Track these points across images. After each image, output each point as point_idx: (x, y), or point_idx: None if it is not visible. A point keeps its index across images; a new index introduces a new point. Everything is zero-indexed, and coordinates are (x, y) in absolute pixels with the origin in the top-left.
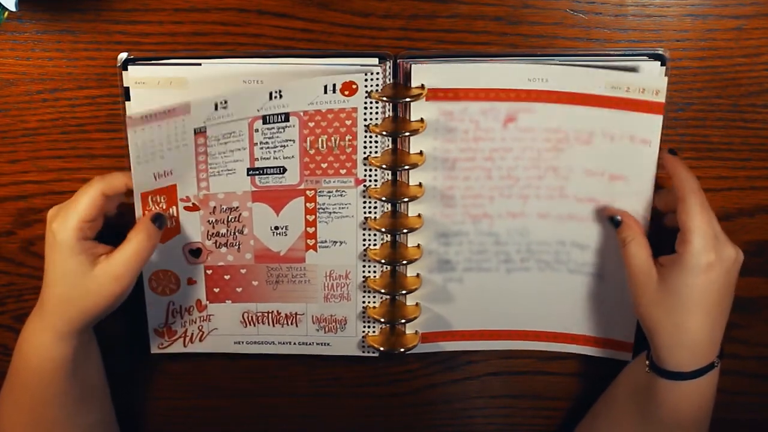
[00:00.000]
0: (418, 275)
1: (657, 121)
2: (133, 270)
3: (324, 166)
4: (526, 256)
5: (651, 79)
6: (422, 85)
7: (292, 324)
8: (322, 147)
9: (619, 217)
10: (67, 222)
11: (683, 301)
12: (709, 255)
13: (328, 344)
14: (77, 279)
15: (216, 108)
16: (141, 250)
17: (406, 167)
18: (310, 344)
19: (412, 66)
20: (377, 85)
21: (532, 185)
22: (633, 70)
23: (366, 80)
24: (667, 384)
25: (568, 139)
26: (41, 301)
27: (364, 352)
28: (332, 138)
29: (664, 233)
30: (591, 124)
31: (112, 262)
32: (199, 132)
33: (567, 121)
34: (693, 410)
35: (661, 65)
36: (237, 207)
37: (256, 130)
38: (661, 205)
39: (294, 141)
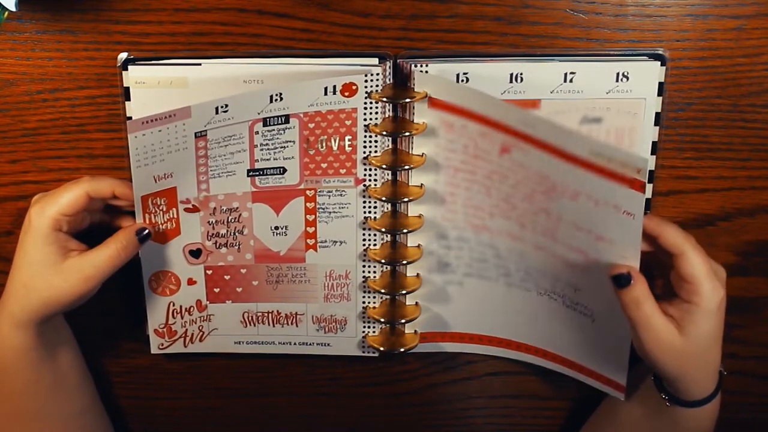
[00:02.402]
0: (418, 275)
1: (639, 197)
2: (103, 275)
3: (324, 166)
4: (525, 278)
5: (631, 157)
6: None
7: (292, 324)
8: (322, 147)
9: (630, 276)
10: (46, 210)
11: (709, 342)
12: (719, 293)
13: (328, 344)
14: (43, 269)
15: (217, 112)
16: (116, 258)
17: (406, 167)
18: (310, 344)
19: (416, 73)
20: (377, 86)
21: (528, 216)
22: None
23: (366, 81)
24: (690, 410)
25: (556, 190)
26: (5, 288)
27: (364, 352)
28: (332, 138)
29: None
30: (576, 182)
31: (84, 261)
32: (200, 135)
33: (554, 173)
34: (711, 422)
35: (661, 65)
36: (237, 208)
37: (257, 133)
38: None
39: (294, 142)
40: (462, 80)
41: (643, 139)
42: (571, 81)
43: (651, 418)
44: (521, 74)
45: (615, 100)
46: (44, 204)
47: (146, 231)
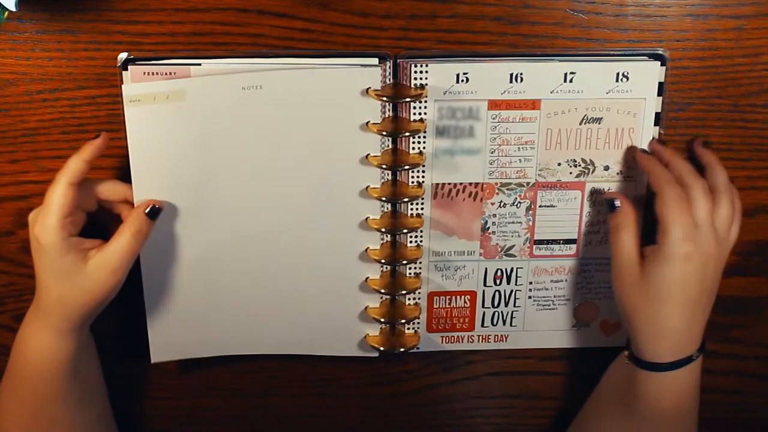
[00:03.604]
0: (418, 275)
1: None
2: (128, 262)
3: None
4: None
5: None
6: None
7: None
8: None
9: (617, 202)
10: (47, 224)
11: (661, 290)
12: (687, 245)
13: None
14: (71, 278)
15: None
16: (134, 243)
17: (406, 167)
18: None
19: (412, 65)
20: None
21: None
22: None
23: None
24: (647, 375)
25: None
26: (37, 303)
27: (364, 352)
28: None
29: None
30: None
31: (105, 255)
32: None
33: None
34: (674, 403)
35: (661, 65)
36: None
37: None
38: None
39: None
40: (462, 80)
41: (643, 140)
42: (571, 81)
43: (622, 391)
44: (521, 74)
45: (615, 100)
46: (43, 218)
47: (155, 207)
